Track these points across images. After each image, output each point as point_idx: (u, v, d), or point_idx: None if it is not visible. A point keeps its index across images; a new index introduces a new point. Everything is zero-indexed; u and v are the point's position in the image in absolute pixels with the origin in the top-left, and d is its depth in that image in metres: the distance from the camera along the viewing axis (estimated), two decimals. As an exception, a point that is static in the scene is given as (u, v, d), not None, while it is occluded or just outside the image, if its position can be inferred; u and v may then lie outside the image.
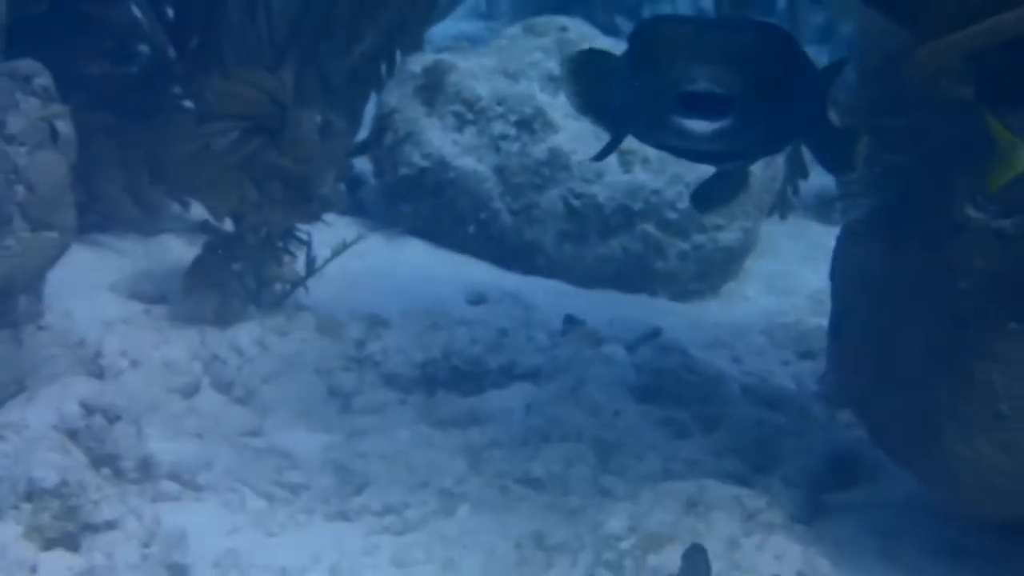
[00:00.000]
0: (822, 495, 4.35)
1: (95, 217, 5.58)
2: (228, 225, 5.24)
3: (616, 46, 6.69)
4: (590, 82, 3.75)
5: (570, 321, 5.53)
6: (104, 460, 3.97)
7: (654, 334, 5.54)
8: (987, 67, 3.94)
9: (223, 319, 5.09)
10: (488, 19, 11.25)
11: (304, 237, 5.36)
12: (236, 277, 5.23)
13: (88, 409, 3.97)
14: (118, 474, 4.01)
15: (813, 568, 3.54)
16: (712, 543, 3.51)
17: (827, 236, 7.23)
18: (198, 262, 5.17)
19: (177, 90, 6.13)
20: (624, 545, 3.57)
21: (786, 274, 6.66)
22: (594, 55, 3.84)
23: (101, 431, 3.98)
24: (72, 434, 3.88)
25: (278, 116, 5.29)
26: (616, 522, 3.68)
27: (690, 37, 3.18)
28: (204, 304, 5.10)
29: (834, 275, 4.12)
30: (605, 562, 3.56)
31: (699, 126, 3.04)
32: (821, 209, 7.49)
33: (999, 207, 3.60)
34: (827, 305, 6.18)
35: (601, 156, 3.77)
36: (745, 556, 3.52)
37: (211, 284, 5.14)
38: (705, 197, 3.99)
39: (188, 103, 6.06)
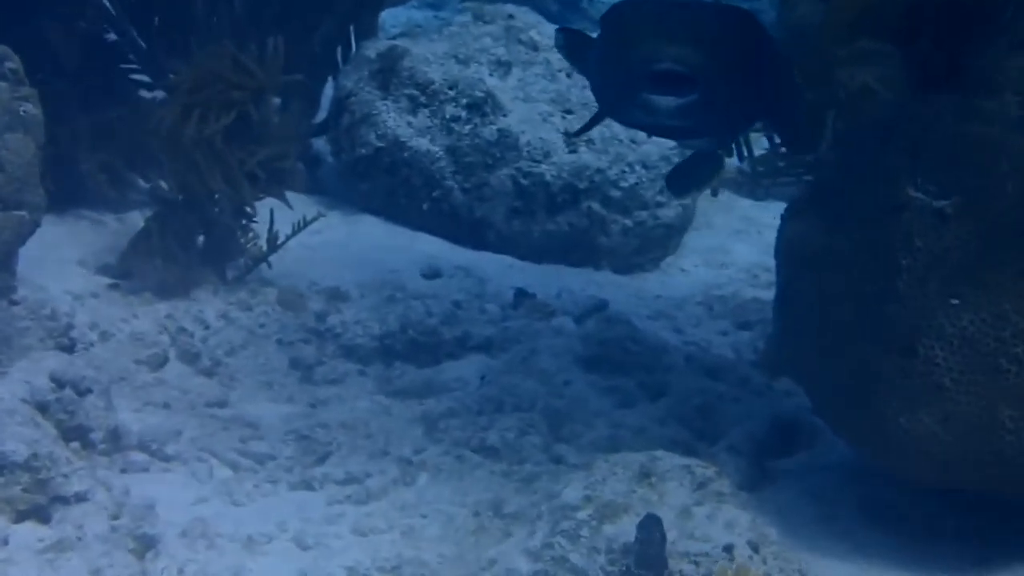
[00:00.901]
0: (764, 461, 4.19)
1: (68, 193, 5.36)
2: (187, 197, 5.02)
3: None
4: (580, 56, 3.75)
5: (521, 294, 5.35)
6: (74, 432, 3.77)
7: (601, 306, 5.38)
8: (915, 51, 3.79)
9: (179, 289, 4.87)
10: (436, 8, 10.99)
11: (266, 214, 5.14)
12: (194, 249, 5.04)
13: (59, 383, 3.76)
14: (87, 446, 3.80)
15: (762, 536, 3.38)
16: (665, 512, 3.35)
17: (755, 210, 7.14)
18: (147, 233, 4.96)
19: (141, 70, 5.94)
20: (580, 515, 3.39)
21: (720, 248, 6.51)
22: (572, 34, 3.82)
23: (71, 404, 3.78)
24: (43, 407, 3.68)
25: (254, 94, 5.10)
26: (572, 492, 3.50)
27: (657, 18, 3.15)
28: (159, 275, 4.88)
29: (778, 252, 3.94)
30: (562, 531, 3.38)
31: (665, 102, 3.01)
32: (747, 185, 7.34)
33: (938, 188, 3.45)
34: (761, 278, 6.15)
35: (581, 132, 4.01)
36: (697, 525, 3.36)
37: (167, 256, 4.92)
38: (681, 181, 3.94)
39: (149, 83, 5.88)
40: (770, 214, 7.05)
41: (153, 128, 5.04)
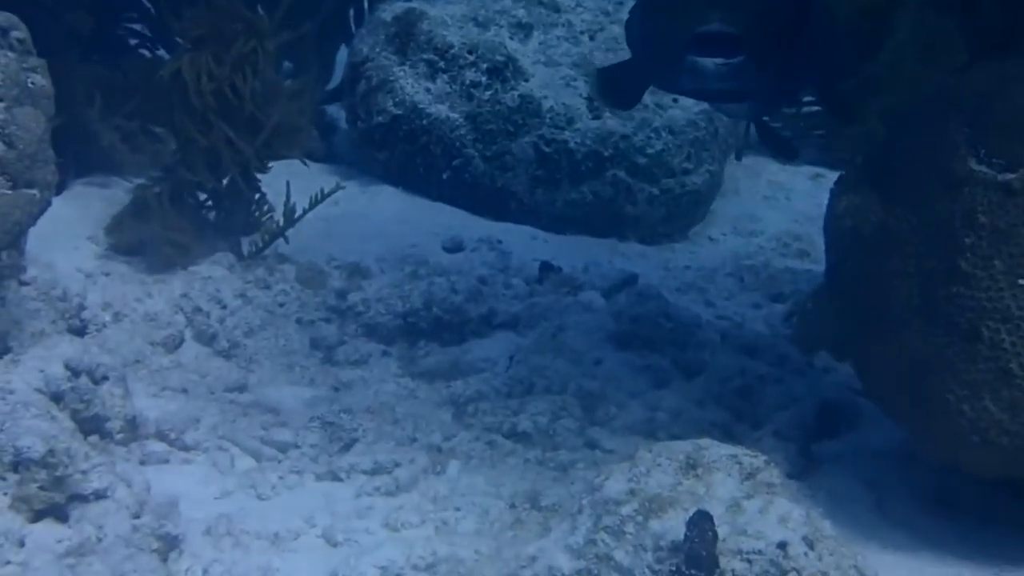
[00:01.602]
0: (810, 446, 4.04)
1: (80, 162, 5.20)
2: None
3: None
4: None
5: (546, 268, 5.19)
6: (91, 422, 3.60)
7: (630, 280, 5.21)
8: (975, 14, 3.61)
9: (188, 263, 4.71)
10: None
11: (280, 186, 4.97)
12: (203, 218, 4.90)
13: (73, 371, 3.58)
14: (105, 436, 3.64)
15: (816, 531, 3.21)
16: (714, 506, 3.18)
17: (783, 174, 6.97)
18: (149, 200, 4.80)
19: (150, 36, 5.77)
20: (625, 510, 3.22)
21: (749, 216, 6.33)
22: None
23: (87, 392, 3.60)
24: (58, 397, 3.50)
25: (255, 50, 4.91)
26: (614, 484, 3.32)
27: None
28: (164, 248, 4.72)
29: (828, 228, 3.77)
30: (605, 527, 3.21)
31: (712, 64, 2.93)
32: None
33: (1003, 160, 3.27)
34: (792, 247, 5.99)
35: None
36: (749, 521, 3.18)
37: (172, 226, 4.75)
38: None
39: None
40: (799, 179, 6.91)
41: (158, 80, 4.86)
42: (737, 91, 3.17)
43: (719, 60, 2.99)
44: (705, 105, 5.89)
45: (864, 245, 3.56)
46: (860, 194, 3.61)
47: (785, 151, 4.20)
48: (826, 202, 6.51)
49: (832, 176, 6.99)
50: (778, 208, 6.45)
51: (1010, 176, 3.24)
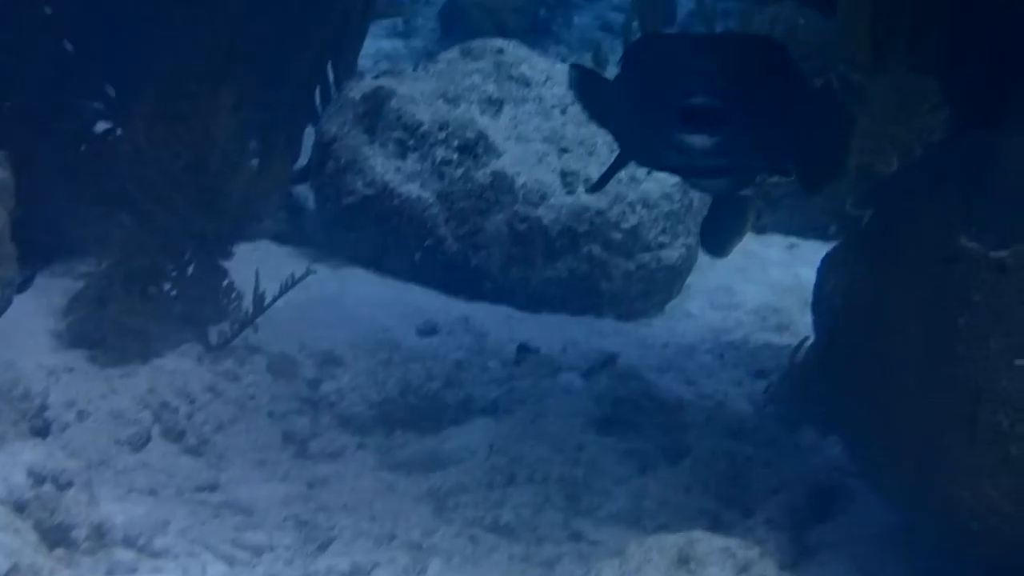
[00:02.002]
0: (803, 532, 3.92)
1: (41, 250, 5.07)
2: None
3: (552, 67, 6.29)
4: (593, 97, 3.53)
5: (524, 349, 5.08)
6: (56, 532, 3.46)
7: (609, 360, 5.10)
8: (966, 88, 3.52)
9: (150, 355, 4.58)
10: (406, 37, 10.69)
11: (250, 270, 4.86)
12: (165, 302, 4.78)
13: (37, 477, 3.46)
14: (71, 547, 3.49)
15: (815, 627, 3.11)
16: (709, 604, 3.07)
17: (756, 244, 6.87)
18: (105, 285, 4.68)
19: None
20: (617, 610, 3.11)
21: (726, 288, 6.21)
22: (587, 74, 3.60)
23: (52, 500, 3.47)
24: (21, 507, 3.37)
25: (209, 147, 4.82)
26: (605, 583, 3.22)
27: (684, 52, 2.99)
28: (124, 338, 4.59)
29: (818, 303, 3.66)
30: (598, 629, 3.10)
31: (700, 140, 2.83)
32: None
33: (996, 236, 3.17)
34: (770, 320, 5.89)
35: (601, 183, 3.66)
36: (746, 618, 3.08)
37: (132, 311, 4.63)
38: (714, 238, 3.73)
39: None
40: (773, 249, 6.82)
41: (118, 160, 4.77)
42: (724, 167, 3.10)
43: (707, 136, 2.91)
44: (679, 178, 5.80)
45: (856, 323, 3.46)
46: (850, 271, 3.51)
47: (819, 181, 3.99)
48: (802, 272, 6.47)
49: (807, 246, 6.95)
50: (754, 280, 6.35)
51: (1003, 253, 3.13)
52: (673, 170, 3.38)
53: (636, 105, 3.09)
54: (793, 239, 6.90)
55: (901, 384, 3.30)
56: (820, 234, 6.90)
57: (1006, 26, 3.38)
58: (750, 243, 6.81)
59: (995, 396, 3.11)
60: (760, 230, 7.14)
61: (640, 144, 3.17)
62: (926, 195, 3.34)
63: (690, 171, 3.32)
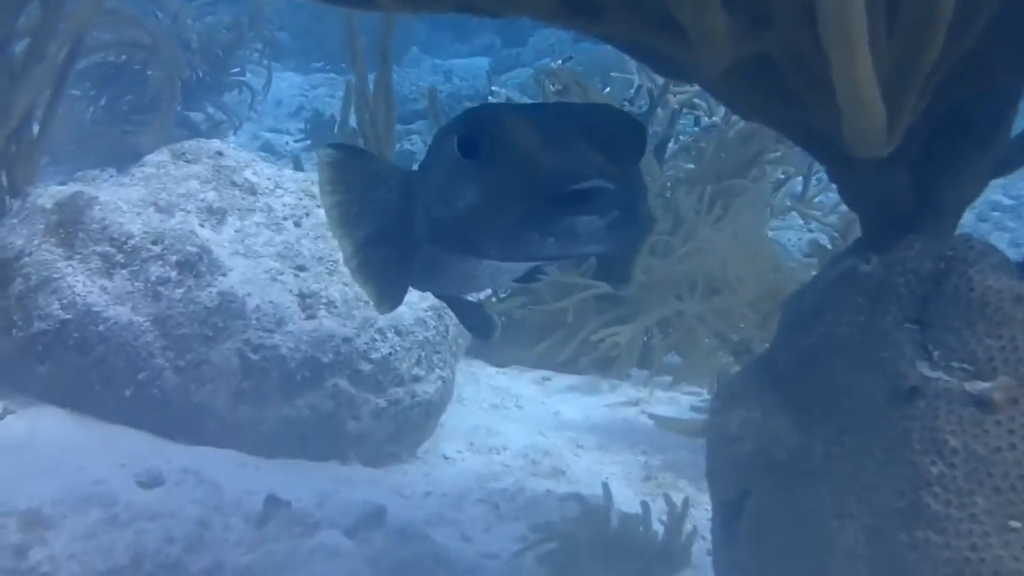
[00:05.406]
0: None
1: None
2: None
3: (280, 174, 5.56)
4: (366, 188, 2.85)
5: (272, 503, 4.27)
6: None
7: (377, 513, 4.35)
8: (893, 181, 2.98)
9: None
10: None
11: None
12: None
13: None
14: None
15: None
16: None
17: (504, 379, 6.28)
18: None
19: None
20: None
21: (485, 429, 5.54)
22: (349, 153, 2.88)
23: None
24: None
25: None
26: None
27: (551, 129, 2.48)
28: None
29: (715, 453, 2.98)
30: None
31: (589, 224, 2.38)
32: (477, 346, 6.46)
33: (968, 364, 2.57)
34: (542, 464, 5.24)
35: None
36: None
37: None
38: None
39: None
40: (523, 383, 6.26)
41: None
42: (604, 252, 2.55)
43: (595, 219, 2.34)
44: (434, 301, 5.15)
45: (777, 476, 2.79)
46: (760, 408, 2.86)
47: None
48: (563, 411, 5.88)
49: (558, 379, 6.38)
50: (512, 418, 5.72)
51: (983, 386, 2.55)
52: (547, 259, 2.74)
53: (487, 191, 2.47)
54: (546, 372, 6.34)
55: (849, 552, 2.62)
56: (570, 367, 6.38)
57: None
58: (495, 377, 6.24)
59: (987, 568, 2.45)
60: (504, 363, 6.58)
61: (506, 236, 2.52)
62: (860, 315, 2.73)
63: (562, 259, 2.73)
